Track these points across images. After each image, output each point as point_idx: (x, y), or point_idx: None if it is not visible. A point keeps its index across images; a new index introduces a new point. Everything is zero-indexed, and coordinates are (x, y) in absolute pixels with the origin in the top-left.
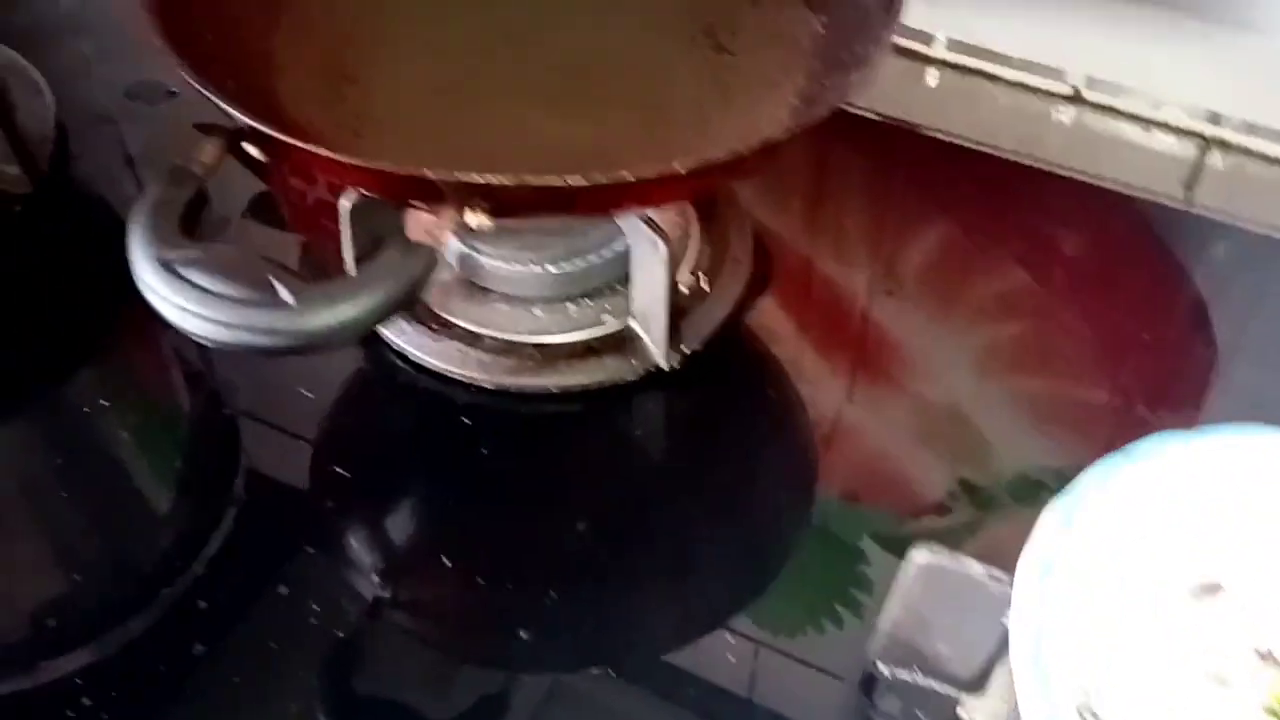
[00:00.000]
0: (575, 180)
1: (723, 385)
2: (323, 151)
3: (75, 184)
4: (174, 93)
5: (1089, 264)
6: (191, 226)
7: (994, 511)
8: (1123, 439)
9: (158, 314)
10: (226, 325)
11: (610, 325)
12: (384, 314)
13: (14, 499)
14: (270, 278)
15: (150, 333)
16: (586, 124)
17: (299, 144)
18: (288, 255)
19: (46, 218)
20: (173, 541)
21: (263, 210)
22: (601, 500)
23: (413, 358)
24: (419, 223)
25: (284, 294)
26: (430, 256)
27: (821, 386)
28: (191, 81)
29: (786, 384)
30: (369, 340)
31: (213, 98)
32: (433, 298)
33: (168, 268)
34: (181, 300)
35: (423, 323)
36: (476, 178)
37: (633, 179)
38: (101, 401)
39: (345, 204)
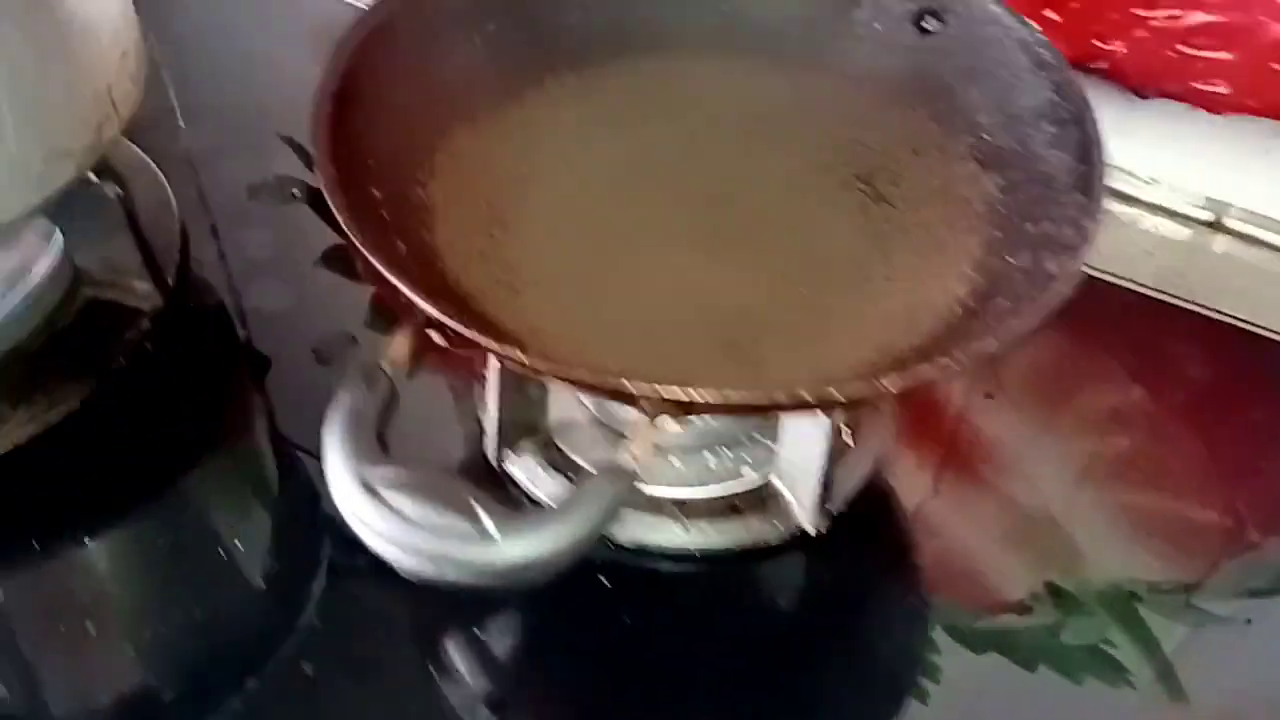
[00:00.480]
0: (781, 398)
1: (865, 546)
2: (519, 356)
3: (199, 297)
4: (296, 195)
5: (1210, 388)
6: (384, 436)
7: (1079, 616)
8: (1230, 557)
9: (357, 539)
10: (429, 556)
11: (750, 479)
12: (589, 545)
13: (132, 601)
14: (472, 502)
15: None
16: (743, 274)
17: (498, 348)
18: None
19: (173, 334)
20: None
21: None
22: (736, 667)
23: (546, 504)
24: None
25: (487, 523)
26: (632, 480)
27: (908, 479)
28: (385, 272)
29: (917, 533)
30: (500, 483)
31: (408, 293)
32: (568, 442)
33: (368, 489)
34: (383, 527)
35: (558, 469)
36: (680, 393)
37: (841, 399)
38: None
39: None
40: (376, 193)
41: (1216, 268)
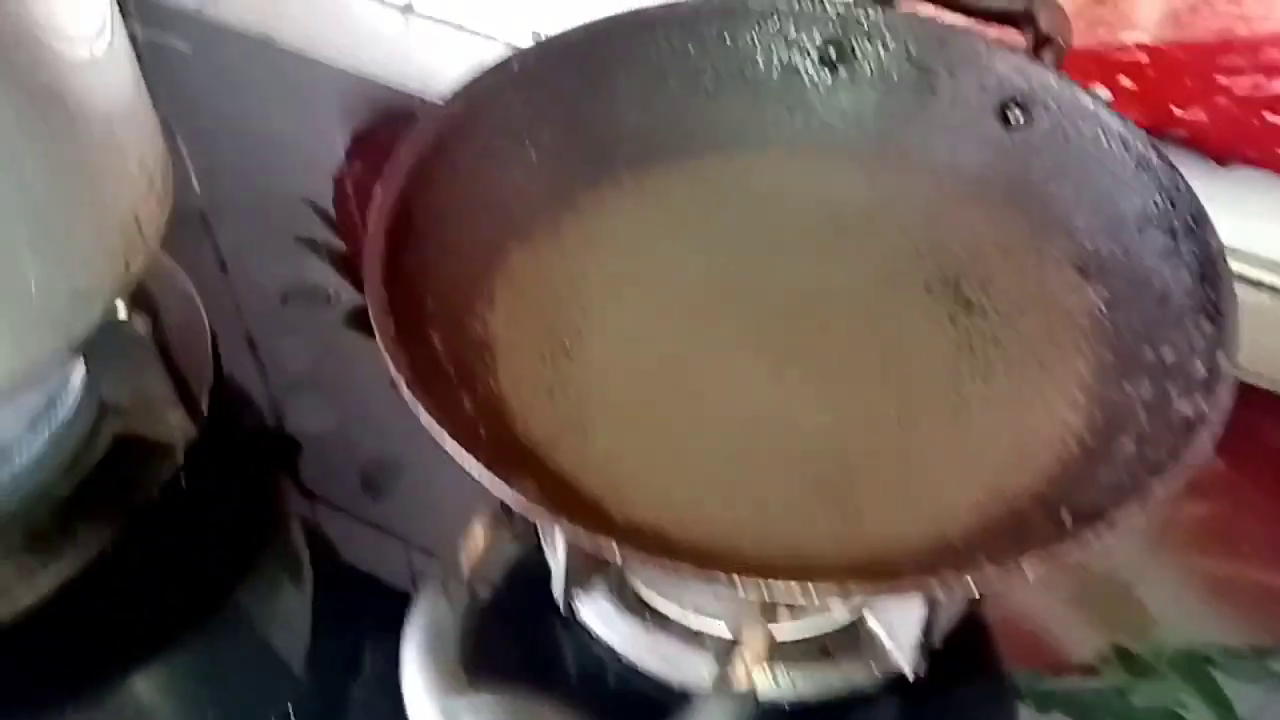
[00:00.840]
0: (906, 586)
1: (966, 685)
2: (615, 550)
3: (235, 422)
4: (330, 299)
5: None
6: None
7: (1150, 680)
8: None
9: None
10: None
11: (839, 617)
12: None
13: None
14: None
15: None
16: (826, 396)
17: (587, 539)
18: None
19: (208, 465)
20: None
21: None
22: None
23: (623, 654)
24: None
25: None
26: (749, 701)
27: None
28: (462, 460)
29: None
30: (568, 624)
31: (487, 479)
32: (646, 582)
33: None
34: None
35: (633, 612)
36: (797, 590)
37: (975, 588)
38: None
39: None
40: (436, 338)
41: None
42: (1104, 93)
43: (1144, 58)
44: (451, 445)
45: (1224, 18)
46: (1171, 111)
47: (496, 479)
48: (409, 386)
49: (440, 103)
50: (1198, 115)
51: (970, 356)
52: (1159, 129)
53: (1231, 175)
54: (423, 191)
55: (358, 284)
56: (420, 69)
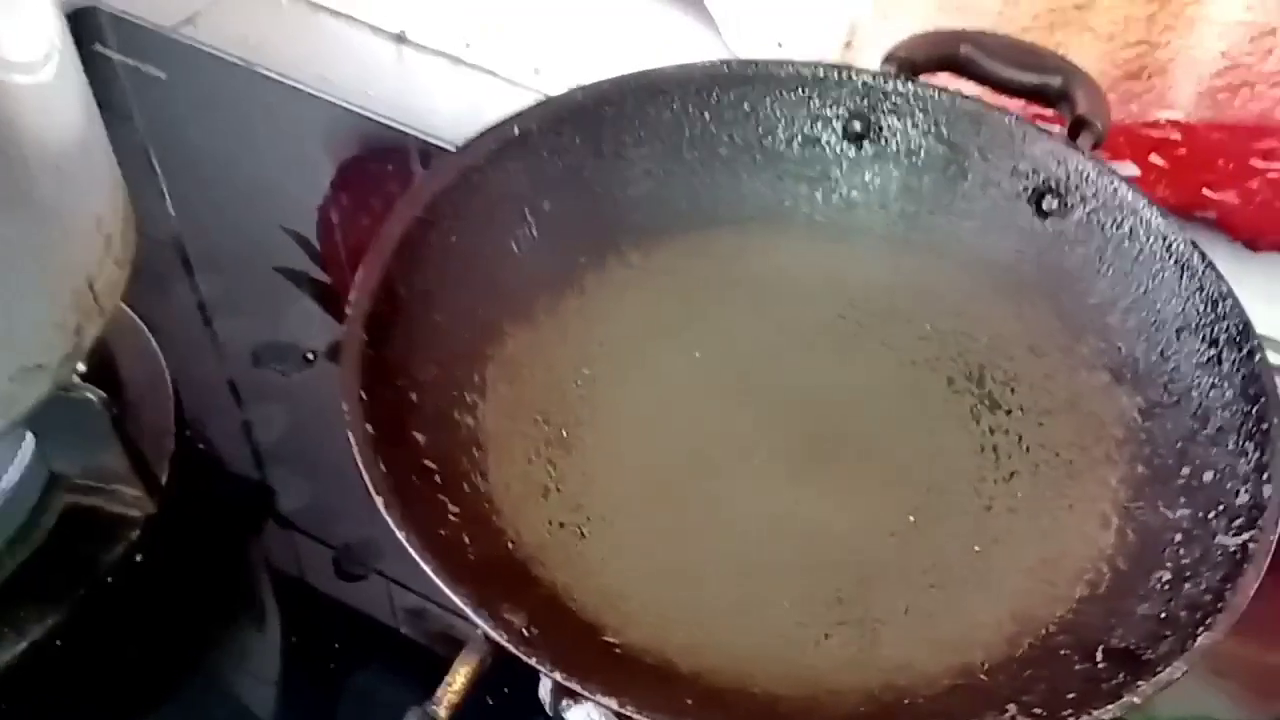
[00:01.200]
0: None
1: None
2: (611, 703)
3: (198, 495)
4: (310, 359)
5: None
6: None
7: None
8: None
9: None
10: None
11: None
12: None
13: None
14: None
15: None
16: (842, 500)
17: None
18: None
19: (167, 543)
20: None
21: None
22: None
23: None
24: None
25: None
26: None
27: None
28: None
29: None
30: None
31: (473, 616)
32: None
33: None
34: None
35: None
36: None
37: None
38: None
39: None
40: (421, 438)
41: None
42: (1133, 169)
43: (1177, 135)
44: (437, 572)
45: (1264, 100)
46: (1203, 192)
47: (483, 614)
48: (388, 509)
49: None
50: (1230, 197)
51: (994, 458)
52: (1189, 209)
53: (1261, 260)
54: (410, 269)
55: (338, 317)
56: (412, 102)
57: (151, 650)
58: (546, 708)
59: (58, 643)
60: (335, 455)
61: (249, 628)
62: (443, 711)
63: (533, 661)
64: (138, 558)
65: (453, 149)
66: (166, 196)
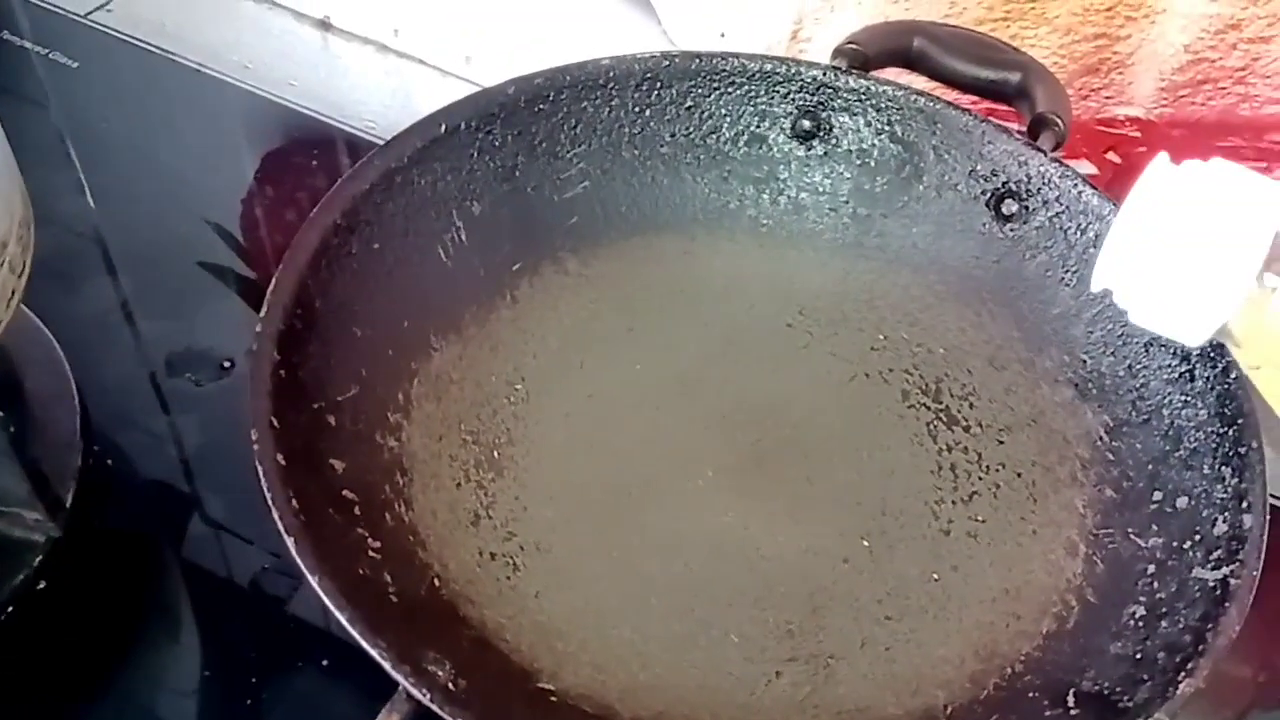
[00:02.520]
0: None
1: None
2: None
3: (105, 511)
4: (228, 366)
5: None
6: None
7: None
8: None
9: None
10: None
11: None
12: None
13: None
14: None
15: None
16: (791, 519)
17: None
18: None
19: (72, 568)
20: None
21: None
22: None
23: None
24: None
25: None
26: None
27: None
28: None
29: None
30: None
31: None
32: None
33: None
34: None
35: None
36: None
37: None
38: None
39: None
40: (338, 465)
41: None
42: (1090, 167)
43: (1137, 132)
44: (353, 622)
45: (1228, 96)
46: None
47: (404, 670)
48: (300, 552)
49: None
50: None
51: (952, 478)
52: None
53: None
54: (327, 280)
55: (254, 302)
56: (338, 91)
57: (57, 683)
58: None
59: None
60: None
61: (160, 654)
62: None
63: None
64: (40, 584)
65: (381, 140)
66: (86, 190)
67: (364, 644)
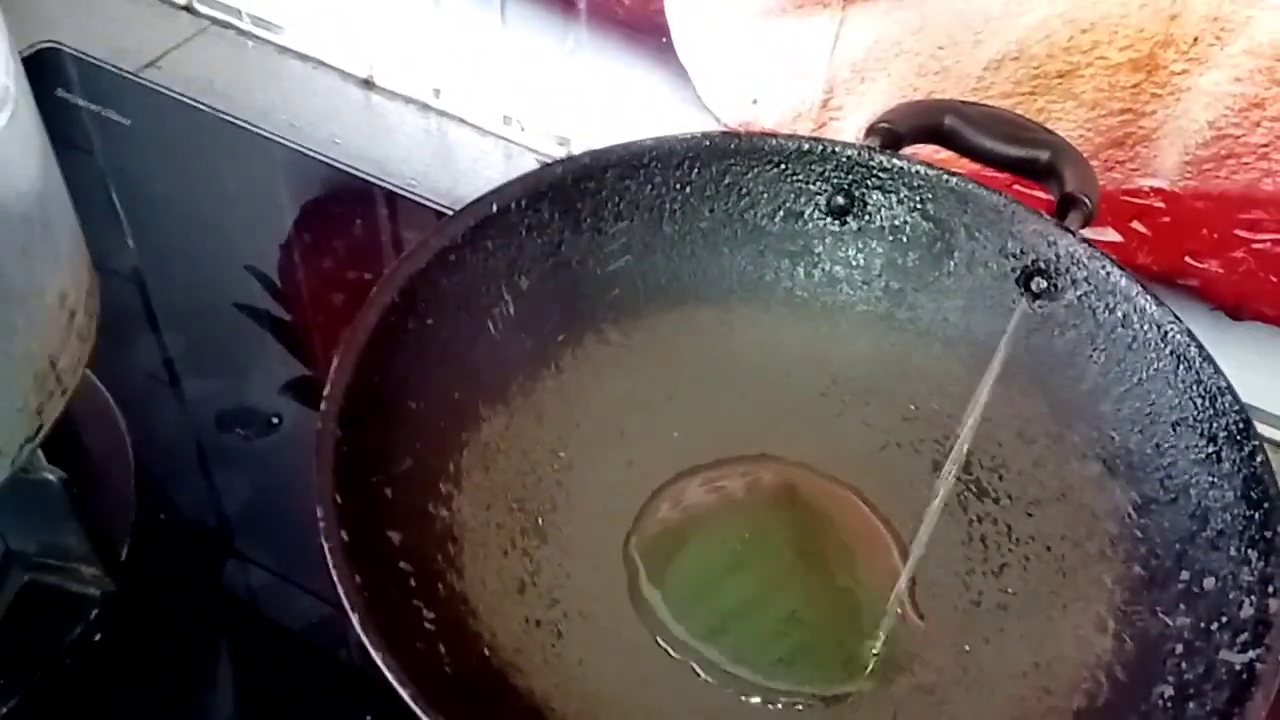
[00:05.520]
0: None
1: None
2: None
3: (159, 565)
4: (276, 423)
5: None
6: None
7: None
8: None
9: None
10: None
11: None
12: None
13: None
14: None
15: None
16: (829, 583)
17: None
18: None
19: (127, 622)
20: None
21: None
22: None
23: None
24: None
25: None
26: None
27: None
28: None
29: None
30: None
31: None
32: None
33: None
34: None
35: None
36: None
37: None
38: None
39: None
40: (395, 537)
41: None
42: (1114, 235)
43: (1161, 204)
44: (415, 699)
45: (1251, 171)
46: (1186, 260)
47: None
48: (365, 629)
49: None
50: (1213, 266)
51: (982, 549)
52: (1171, 277)
53: (1242, 329)
54: (386, 357)
55: (299, 356)
56: (380, 148)
57: None
58: None
59: None
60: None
61: (212, 703)
62: None
63: None
64: (97, 637)
65: (421, 197)
66: (130, 244)
67: (425, 719)
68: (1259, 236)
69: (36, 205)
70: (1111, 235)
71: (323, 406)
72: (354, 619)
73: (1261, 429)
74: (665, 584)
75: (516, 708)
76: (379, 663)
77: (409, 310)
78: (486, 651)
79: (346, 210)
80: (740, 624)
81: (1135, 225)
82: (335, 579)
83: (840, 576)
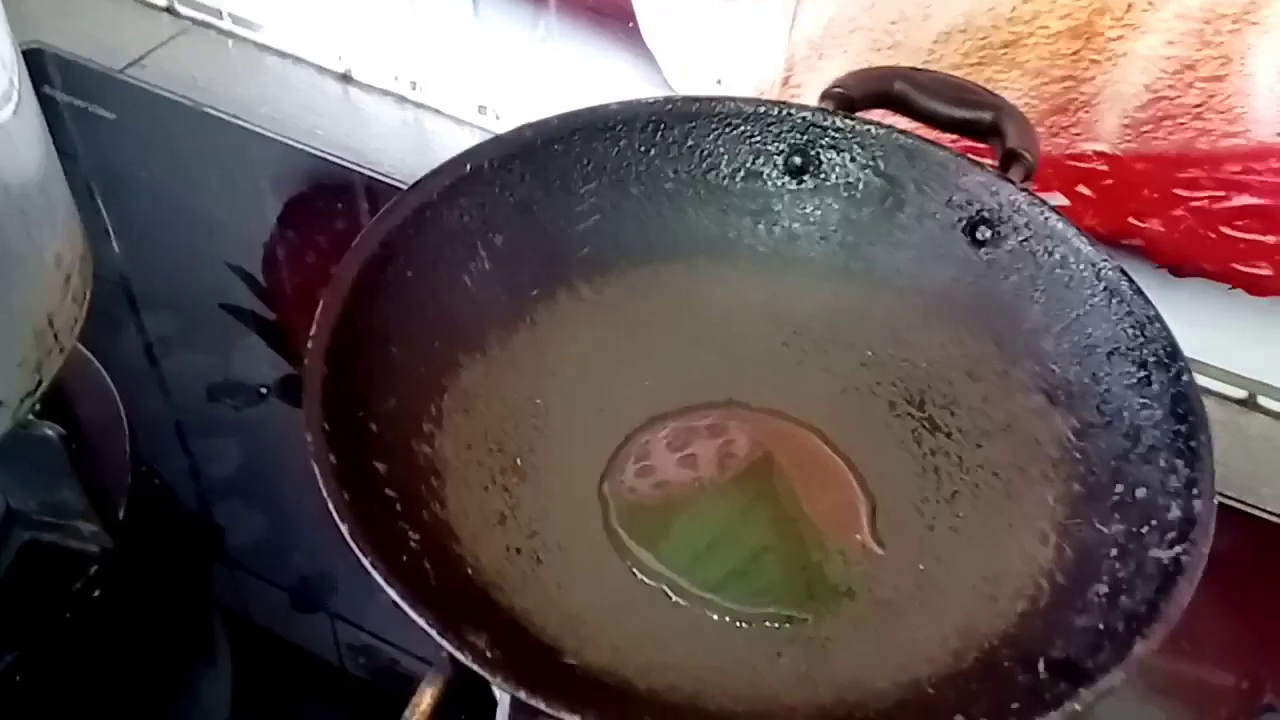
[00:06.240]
0: None
1: None
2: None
3: (153, 525)
4: (264, 393)
5: (1233, 560)
6: None
7: None
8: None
9: None
10: None
11: None
12: None
13: None
14: None
15: None
16: (789, 515)
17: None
18: None
19: (124, 578)
20: None
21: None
22: None
23: None
24: None
25: None
26: None
27: None
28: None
29: None
30: None
31: (442, 642)
32: None
33: None
34: None
35: None
36: None
37: None
38: None
39: None
40: (381, 467)
41: (1252, 449)
42: (1061, 199)
43: (1104, 167)
44: (403, 597)
45: (1187, 131)
46: (1129, 221)
47: (448, 636)
48: (353, 534)
49: (390, 181)
50: (1155, 226)
51: (936, 480)
52: (1116, 238)
53: (1185, 285)
54: (367, 304)
55: (285, 354)
56: (359, 139)
57: (109, 684)
58: None
59: (16, 678)
60: (290, 488)
61: (203, 660)
62: None
63: (497, 680)
64: (95, 593)
65: (400, 184)
66: (112, 236)
67: (413, 615)
68: (1196, 194)
69: (36, 177)
70: (1059, 199)
71: (309, 345)
72: (344, 529)
73: (1206, 381)
74: (638, 522)
75: (499, 620)
76: (368, 566)
77: (388, 261)
78: (470, 572)
79: (326, 198)
80: (711, 556)
81: (1081, 189)
82: (325, 494)
83: (804, 511)
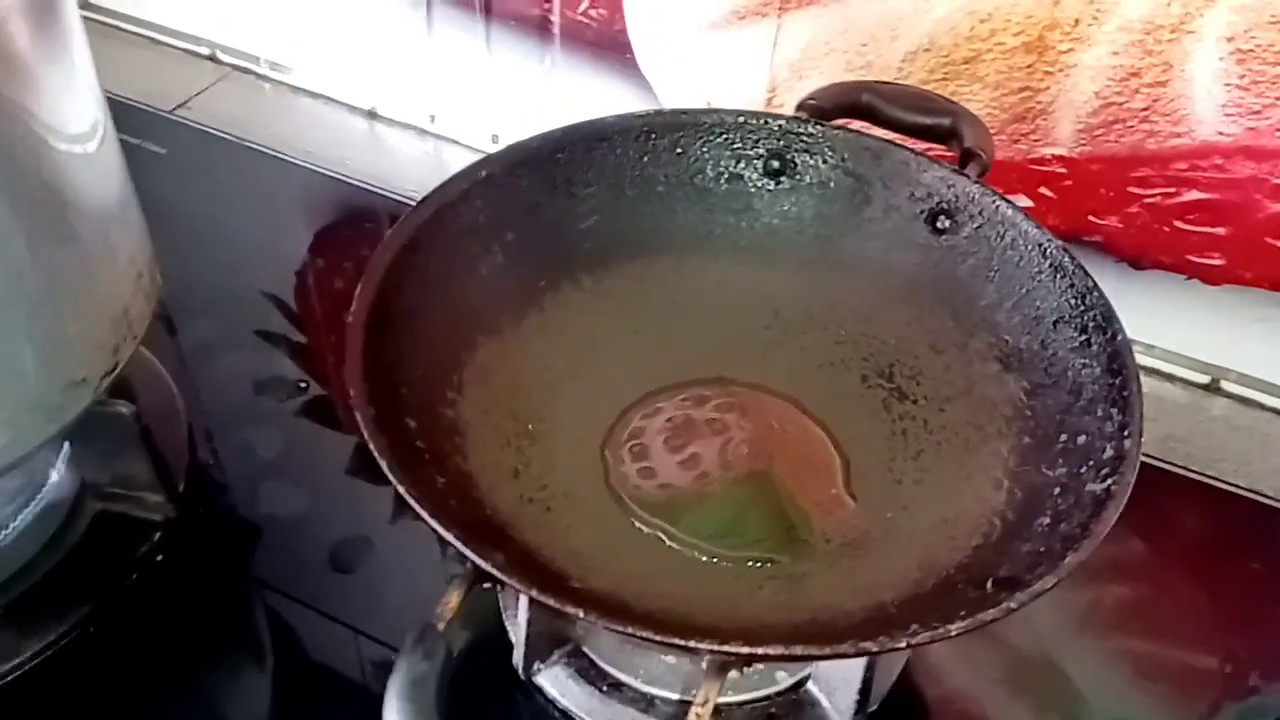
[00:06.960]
0: (846, 649)
1: None
2: (582, 616)
3: (210, 504)
4: (303, 387)
5: (1208, 542)
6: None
7: None
8: (1233, 700)
9: None
10: None
11: (784, 681)
12: None
13: None
14: None
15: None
16: (770, 476)
17: (555, 605)
18: None
19: (184, 544)
20: None
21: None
22: None
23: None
24: None
25: None
26: None
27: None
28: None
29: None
30: (529, 694)
31: (468, 553)
32: (598, 651)
33: None
34: None
35: (588, 680)
36: (746, 649)
37: (904, 647)
38: None
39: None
40: (411, 423)
41: (1213, 429)
42: (1026, 201)
43: (1062, 169)
44: (431, 518)
45: (1136, 133)
46: (1089, 219)
47: (472, 548)
48: (390, 468)
49: (413, 204)
50: (1113, 222)
51: (903, 441)
52: (1077, 235)
53: (1144, 277)
54: (398, 288)
55: (315, 375)
56: (384, 168)
57: (170, 638)
58: (520, 672)
59: (91, 630)
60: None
61: (257, 618)
62: (441, 624)
63: (513, 582)
64: (159, 557)
65: None
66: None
67: (442, 531)
68: (1149, 192)
69: (115, 194)
70: (1024, 201)
71: (350, 317)
72: (383, 464)
73: (1170, 367)
74: (636, 484)
75: (513, 550)
76: (405, 494)
77: (415, 252)
78: (488, 512)
79: (354, 225)
80: (703, 509)
81: (1042, 190)
82: (366, 436)
83: (786, 470)
